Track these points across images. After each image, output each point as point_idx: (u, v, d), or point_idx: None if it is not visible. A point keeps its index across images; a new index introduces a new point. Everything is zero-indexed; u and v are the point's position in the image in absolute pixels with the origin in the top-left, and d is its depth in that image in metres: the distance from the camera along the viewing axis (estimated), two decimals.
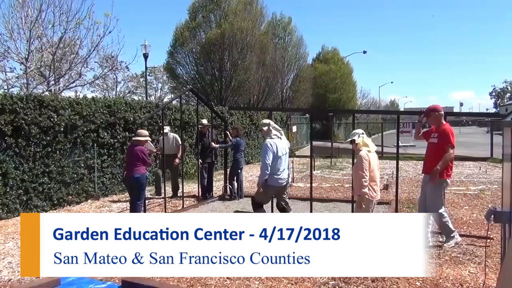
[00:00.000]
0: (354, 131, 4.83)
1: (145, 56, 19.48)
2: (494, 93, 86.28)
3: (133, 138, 6.47)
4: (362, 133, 4.74)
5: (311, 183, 6.16)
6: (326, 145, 20.05)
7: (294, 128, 20.52)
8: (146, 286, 3.47)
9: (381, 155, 17.14)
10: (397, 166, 6.00)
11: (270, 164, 5.27)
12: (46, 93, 11.78)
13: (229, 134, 8.61)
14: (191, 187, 9.80)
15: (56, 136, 7.54)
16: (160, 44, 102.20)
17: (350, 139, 4.77)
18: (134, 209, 6.11)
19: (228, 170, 8.47)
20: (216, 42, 19.84)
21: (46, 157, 7.39)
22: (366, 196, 4.45)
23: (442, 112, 4.95)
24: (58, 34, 12.14)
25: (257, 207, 5.56)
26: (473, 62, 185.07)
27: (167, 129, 8.55)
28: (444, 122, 4.91)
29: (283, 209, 5.64)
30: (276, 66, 23.36)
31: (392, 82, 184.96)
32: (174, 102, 12.04)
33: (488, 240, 4.81)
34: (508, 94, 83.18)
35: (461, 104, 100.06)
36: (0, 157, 6.66)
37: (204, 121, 8.85)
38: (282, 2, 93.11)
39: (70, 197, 7.90)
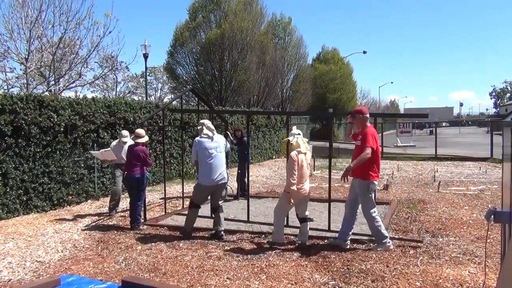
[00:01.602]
0: (292, 131, 5.13)
1: (145, 56, 19.47)
2: (494, 93, 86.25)
3: (133, 139, 6.45)
4: (298, 134, 5.07)
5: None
6: (326, 145, 20.03)
7: (294, 128, 20.47)
8: (146, 286, 3.45)
9: (381, 155, 17.19)
10: (330, 166, 6.01)
11: (197, 161, 5.45)
12: (46, 93, 11.78)
13: (229, 135, 8.59)
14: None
15: (56, 136, 7.54)
16: (160, 44, 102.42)
17: (286, 139, 5.09)
18: (133, 209, 6.10)
19: (228, 170, 8.45)
20: (216, 42, 19.84)
21: (46, 157, 7.39)
22: (293, 194, 4.82)
23: (367, 115, 5.07)
24: (58, 34, 12.16)
25: (192, 207, 5.54)
26: (473, 62, 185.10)
27: (126, 138, 6.94)
28: (368, 125, 4.99)
29: (214, 210, 5.60)
30: (276, 66, 23.36)
31: (392, 82, 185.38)
32: (174, 102, 12.03)
33: (488, 240, 4.81)
34: (508, 94, 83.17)
35: (461, 104, 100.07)
36: (0, 157, 6.66)
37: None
38: (282, 2, 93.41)
39: (70, 197, 7.90)
